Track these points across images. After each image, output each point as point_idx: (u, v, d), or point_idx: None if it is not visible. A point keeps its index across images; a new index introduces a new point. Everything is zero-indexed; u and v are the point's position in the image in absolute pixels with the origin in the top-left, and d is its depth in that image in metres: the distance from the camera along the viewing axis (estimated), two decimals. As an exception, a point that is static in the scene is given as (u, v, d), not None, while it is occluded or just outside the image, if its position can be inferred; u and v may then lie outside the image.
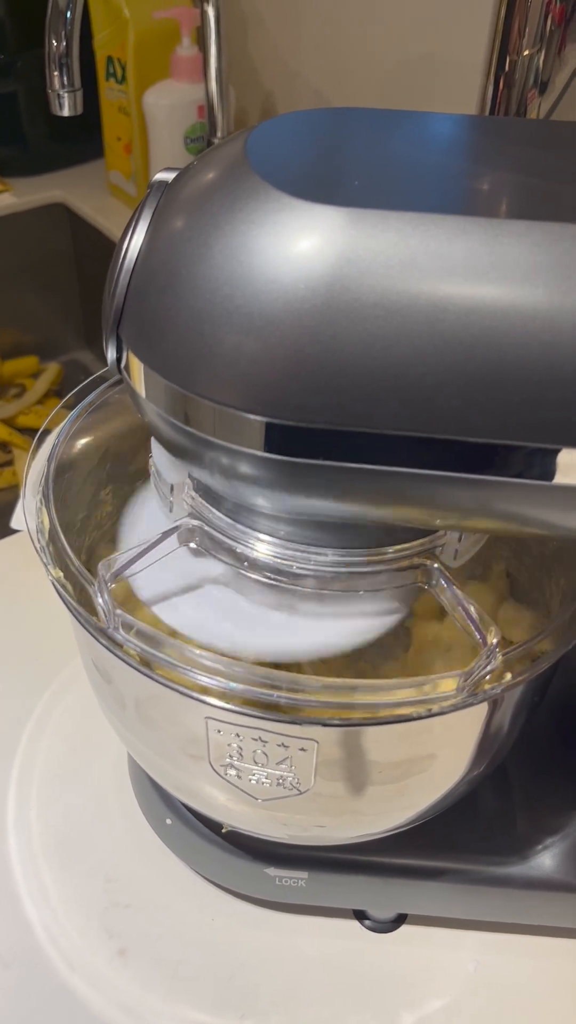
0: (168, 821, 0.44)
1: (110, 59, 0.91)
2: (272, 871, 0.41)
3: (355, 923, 0.44)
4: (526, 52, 0.51)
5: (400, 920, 0.44)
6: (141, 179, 0.96)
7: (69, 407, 0.43)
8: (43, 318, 1.13)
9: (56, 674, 0.54)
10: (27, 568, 0.58)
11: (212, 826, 0.42)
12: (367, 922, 0.44)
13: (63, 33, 0.63)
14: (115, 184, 1.01)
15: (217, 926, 0.44)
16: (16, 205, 1.03)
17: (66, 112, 0.66)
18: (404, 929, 0.44)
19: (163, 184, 0.30)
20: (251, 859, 0.41)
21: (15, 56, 0.98)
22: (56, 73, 0.64)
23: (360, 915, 0.44)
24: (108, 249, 1.05)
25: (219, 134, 0.85)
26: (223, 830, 0.41)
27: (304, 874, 0.41)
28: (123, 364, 0.30)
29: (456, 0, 0.72)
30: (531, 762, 0.44)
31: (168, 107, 0.87)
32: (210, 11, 0.76)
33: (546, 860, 0.42)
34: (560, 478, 0.27)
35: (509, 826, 0.43)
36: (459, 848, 0.42)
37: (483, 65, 0.53)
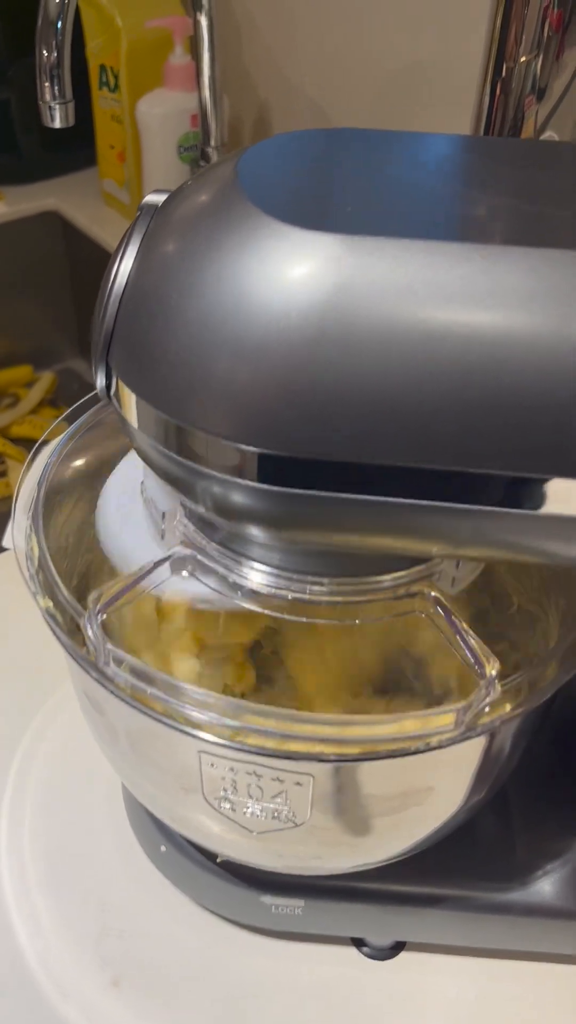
0: (163, 848, 0.43)
1: (103, 68, 0.90)
2: (268, 899, 0.41)
3: (353, 950, 0.43)
4: (523, 58, 0.50)
5: (399, 947, 0.43)
6: (135, 187, 0.95)
7: (68, 420, 0.42)
8: (37, 327, 1.13)
9: (49, 695, 0.53)
10: (20, 585, 0.57)
11: (207, 854, 0.41)
12: (365, 949, 0.43)
13: (54, 44, 0.62)
14: (109, 192, 1.00)
15: (212, 954, 0.43)
16: (9, 214, 1.02)
17: (57, 124, 0.65)
18: (403, 956, 0.43)
19: (153, 207, 0.29)
20: (247, 887, 0.41)
21: (7, 64, 0.98)
22: (47, 84, 0.63)
23: (358, 942, 0.43)
24: (102, 257, 1.05)
25: (213, 143, 0.85)
26: (218, 859, 0.41)
27: (300, 902, 0.41)
28: (112, 391, 0.29)
29: (451, 7, 0.71)
30: (530, 786, 0.43)
31: (161, 116, 0.86)
32: (203, 20, 0.76)
33: (546, 886, 0.41)
34: (558, 508, 0.26)
35: (509, 852, 0.42)
36: (458, 875, 0.41)
37: (480, 71, 0.52)
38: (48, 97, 0.64)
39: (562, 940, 0.42)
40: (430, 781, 0.33)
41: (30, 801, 0.48)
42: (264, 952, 0.43)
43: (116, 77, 0.89)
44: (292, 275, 0.24)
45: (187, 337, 0.25)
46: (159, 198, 0.30)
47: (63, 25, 0.62)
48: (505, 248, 0.24)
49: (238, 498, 0.27)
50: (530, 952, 0.43)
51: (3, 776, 0.49)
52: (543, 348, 0.24)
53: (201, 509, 0.30)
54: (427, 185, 0.28)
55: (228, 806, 0.33)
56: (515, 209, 0.26)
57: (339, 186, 0.27)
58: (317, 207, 0.26)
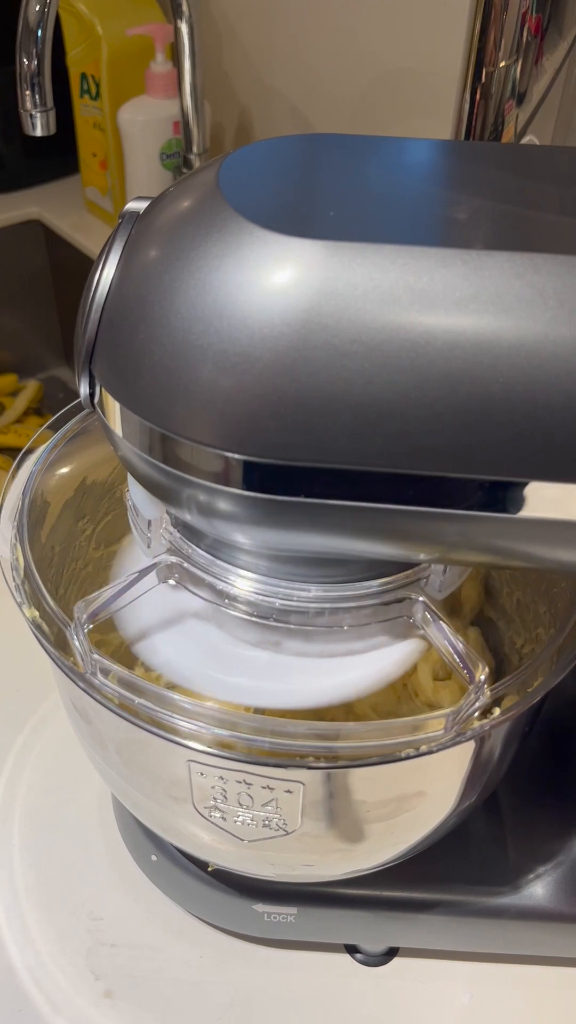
0: (153, 858, 0.43)
1: (84, 76, 0.90)
2: (260, 907, 0.41)
3: (346, 957, 0.43)
4: (502, 63, 0.51)
5: (392, 953, 0.43)
6: (118, 195, 0.95)
7: (53, 429, 0.42)
8: (21, 336, 1.12)
9: (38, 706, 0.53)
10: (5, 595, 0.57)
11: (198, 863, 0.41)
12: (358, 956, 0.43)
13: (34, 52, 0.62)
14: (91, 200, 1.00)
15: (205, 964, 0.43)
16: (-9, 223, 1.02)
17: (39, 132, 0.65)
18: (396, 962, 0.43)
19: (135, 214, 0.29)
20: (238, 895, 0.41)
21: (-13, 73, 0.97)
22: (28, 92, 0.63)
23: (351, 949, 0.43)
24: (85, 265, 1.05)
25: (195, 150, 0.85)
26: (209, 868, 0.40)
27: (293, 910, 0.41)
28: (96, 400, 0.29)
29: (431, 14, 0.72)
30: (521, 789, 0.43)
31: (143, 123, 0.86)
32: (184, 27, 0.76)
33: (538, 889, 0.41)
34: (543, 511, 0.26)
35: (501, 855, 0.42)
36: (450, 879, 0.41)
37: (459, 77, 0.52)
38: (29, 105, 0.63)
39: (555, 943, 0.42)
40: (421, 786, 0.33)
41: (19, 812, 0.48)
42: (257, 960, 0.43)
43: (97, 85, 0.89)
44: (275, 282, 0.24)
45: (170, 344, 0.25)
46: (141, 205, 0.30)
47: (43, 33, 0.62)
48: (488, 253, 0.24)
49: (223, 506, 0.27)
50: (523, 955, 0.43)
51: (-8, 788, 0.49)
52: (527, 353, 0.24)
53: (186, 517, 0.29)
54: (409, 190, 0.28)
55: (218, 815, 0.32)
56: (498, 213, 0.26)
57: (321, 192, 0.27)
58: (299, 213, 0.26)
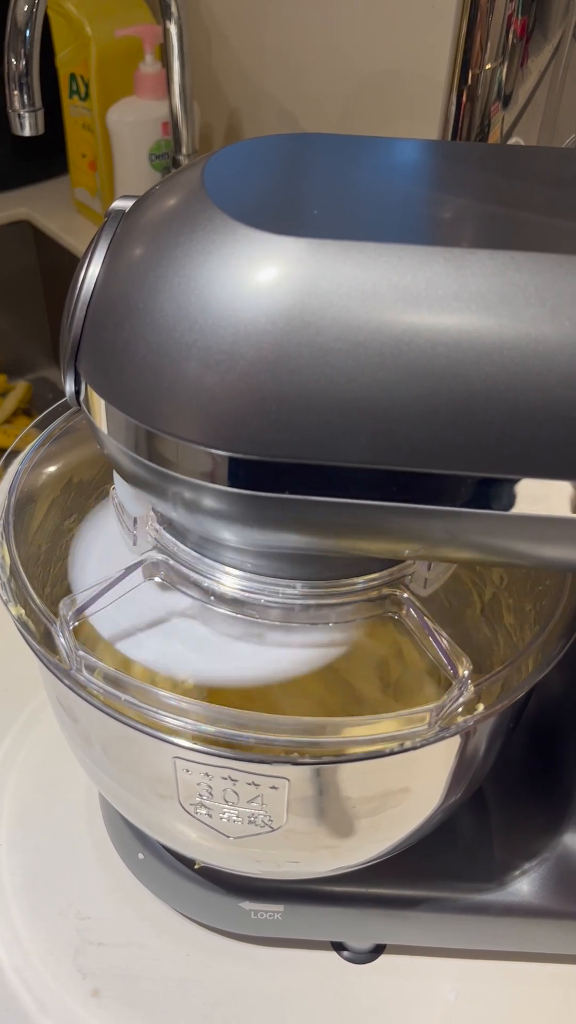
0: (140, 856, 0.43)
1: (73, 76, 0.90)
2: (247, 905, 0.41)
3: (333, 954, 0.43)
4: (488, 66, 0.51)
5: (378, 950, 0.43)
6: (107, 196, 0.95)
7: (39, 427, 0.42)
8: (10, 336, 1.12)
9: (24, 705, 0.53)
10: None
11: (185, 861, 0.41)
12: (345, 953, 0.43)
13: (22, 52, 0.62)
14: (81, 201, 1.00)
15: (193, 962, 0.43)
16: (-20, 223, 1.02)
17: (27, 132, 0.65)
18: (383, 959, 0.43)
19: (120, 212, 0.29)
20: (225, 893, 0.41)
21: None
22: (16, 92, 0.63)
23: (338, 946, 0.43)
24: (74, 266, 1.04)
25: (184, 151, 0.85)
26: (196, 865, 0.41)
27: (280, 907, 0.41)
28: (82, 397, 0.29)
29: (418, 17, 0.72)
30: (507, 786, 0.43)
31: (132, 124, 0.86)
32: (172, 28, 0.76)
33: (524, 886, 0.41)
34: (528, 508, 0.26)
35: (486, 852, 0.42)
36: (437, 876, 0.41)
37: (446, 79, 0.52)
38: (17, 105, 0.63)
39: (541, 939, 0.42)
40: (406, 782, 0.33)
41: (6, 811, 0.48)
42: (244, 958, 0.43)
43: (86, 85, 0.89)
44: (259, 279, 0.24)
45: (155, 342, 0.25)
46: (126, 203, 0.30)
47: (31, 33, 0.62)
48: (470, 251, 0.24)
49: (209, 502, 0.27)
50: (509, 952, 0.43)
51: (-21, 787, 0.49)
52: (509, 350, 0.24)
53: (172, 515, 0.30)
54: (394, 189, 0.28)
55: (204, 812, 0.32)
56: (481, 213, 0.27)
57: (306, 190, 0.28)
58: (283, 211, 0.26)
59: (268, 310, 0.24)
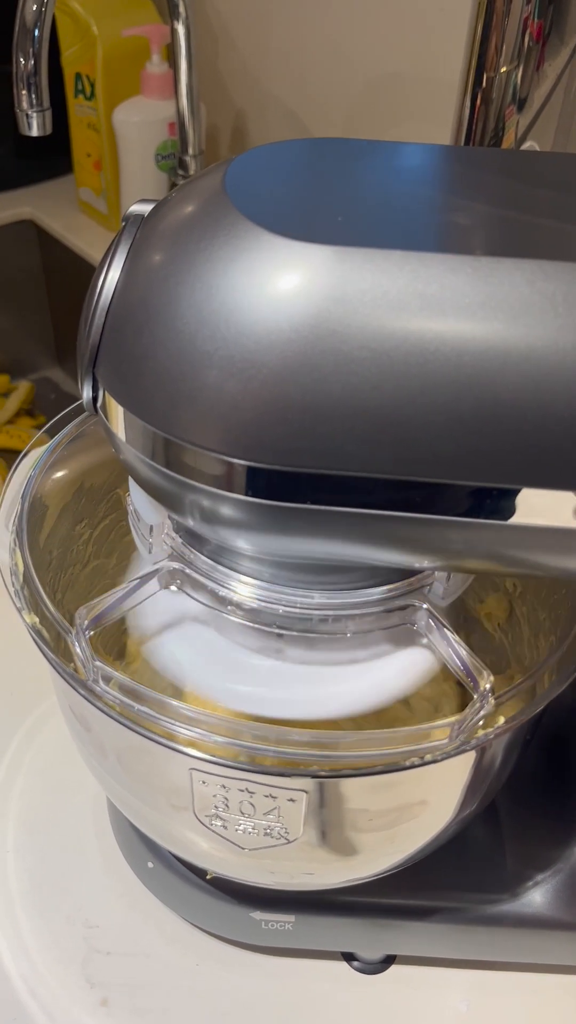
0: (150, 865, 0.42)
1: (78, 75, 0.90)
2: (258, 915, 0.40)
3: (343, 964, 0.43)
4: (504, 68, 0.51)
5: (389, 961, 0.43)
6: (112, 196, 0.95)
7: (50, 433, 0.42)
8: (13, 336, 1.12)
9: (32, 709, 0.53)
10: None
11: (196, 870, 0.41)
12: (355, 963, 0.43)
13: (31, 52, 0.62)
14: (85, 201, 1.00)
15: (202, 972, 0.43)
16: (-16, 222, 1.01)
17: (35, 132, 0.64)
18: (393, 970, 0.43)
19: (139, 217, 0.29)
20: (236, 903, 0.40)
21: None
22: (24, 92, 0.63)
23: (348, 957, 0.43)
24: (78, 266, 1.04)
25: (190, 151, 0.85)
26: (208, 876, 0.40)
27: (291, 917, 0.40)
28: (99, 404, 0.29)
29: (425, 19, 0.72)
30: (519, 797, 0.43)
31: (138, 124, 0.86)
32: (180, 29, 0.76)
33: (536, 897, 0.41)
34: (551, 520, 0.26)
35: (499, 863, 0.42)
36: (448, 886, 0.41)
37: (459, 82, 0.52)
38: (25, 105, 0.63)
39: (553, 950, 0.42)
40: (424, 795, 0.32)
41: (13, 817, 0.48)
42: (254, 969, 0.43)
43: (92, 85, 0.89)
44: (283, 287, 0.24)
45: (176, 349, 0.25)
46: (145, 208, 0.29)
47: (40, 33, 0.61)
48: (497, 259, 0.24)
49: (227, 511, 0.27)
50: (521, 963, 0.43)
51: (-15, 793, 0.49)
52: (536, 359, 0.24)
53: (189, 523, 0.29)
54: (417, 195, 0.27)
55: (220, 823, 0.32)
56: (506, 220, 0.26)
57: (328, 196, 0.27)
58: (306, 218, 0.26)
59: (293, 318, 0.24)
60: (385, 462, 0.25)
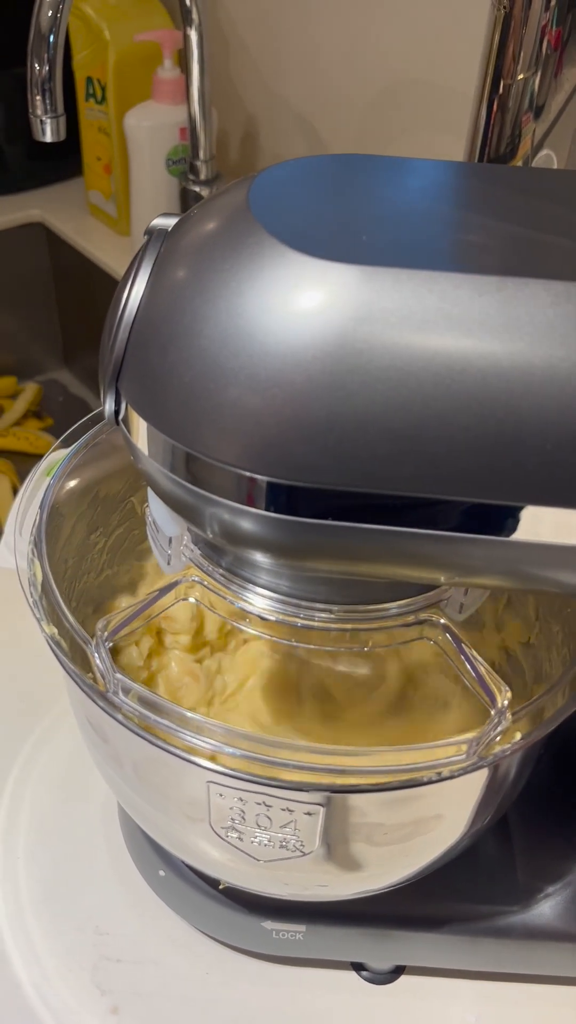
0: (161, 873, 0.42)
1: (89, 79, 0.90)
2: (269, 924, 0.40)
3: (353, 974, 0.43)
4: (521, 76, 0.51)
5: (398, 971, 0.43)
6: (121, 200, 0.95)
7: (66, 443, 0.42)
8: (21, 338, 1.12)
9: (42, 716, 0.53)
10: (9, 604, 0.56)
11: (208, 879, 0.41)
12: (365, 973, 0.43)
13: (46, 57, 0.62)
14: (94, 204, 1.00)
15: (212, 980, 0.43)
16: (-7, 225, 1.01)
17: (48, 138, 0.64)
18: (403, 980, 0.43)
19: (163, 232, 0.29)
20: (247, 912, 0.40)
21: (-8, 74, 0.97)
22: (39, 98, 0.63)
23: (358, 967, 0.43)
24: (87, 269, 1.04)
25: (202, 156, 0.85)
26: (220, 886, 0.40)
27: (302, 927, 0.40)
28: (121, 417, 0.29)
29: (439, 25, 0.72)
30: (530, 809, 0.43)
31: (150, 129, 0.86)
32: (193, 35, 0.76)
33: (546, 909, 0.41)
34: (572, 538, 0.26)
35: (509, 874, 0.42)
36: (459, 898, 0.41)
37: (475, 88, 0.52)
38: (40, 111, 0.63)
39: (563, 962, 0.42)
40: (439, 810, 0.32)
41: (24, 824, 0.48)
42: (264, 978, 0.43)
43: (103, 89, 0.89)
44: (309, 306, 0.24)
45: (201, 367, 0.25)
46: (168, 221, 0.29)
47: (55, 39, 0.61)
48: (523, 281, 0.24)
49: (248, 526, 0.27)
50: (530, 975, 0.43)
51: (-4, 799, 0.49)
52: (561, 380, 0.24)
53: (208, 536, 0.29)
54: (441, 214, 0.28)
55: (235, 835, 0.32)
56: (531, 240, 0.26)
57: (353, 214, 0.27)
58: (331, 236, 0.26)
59: (318, 337, 0.24)
60: (407, 480, 0.25)
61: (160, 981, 0.43)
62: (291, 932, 0.40)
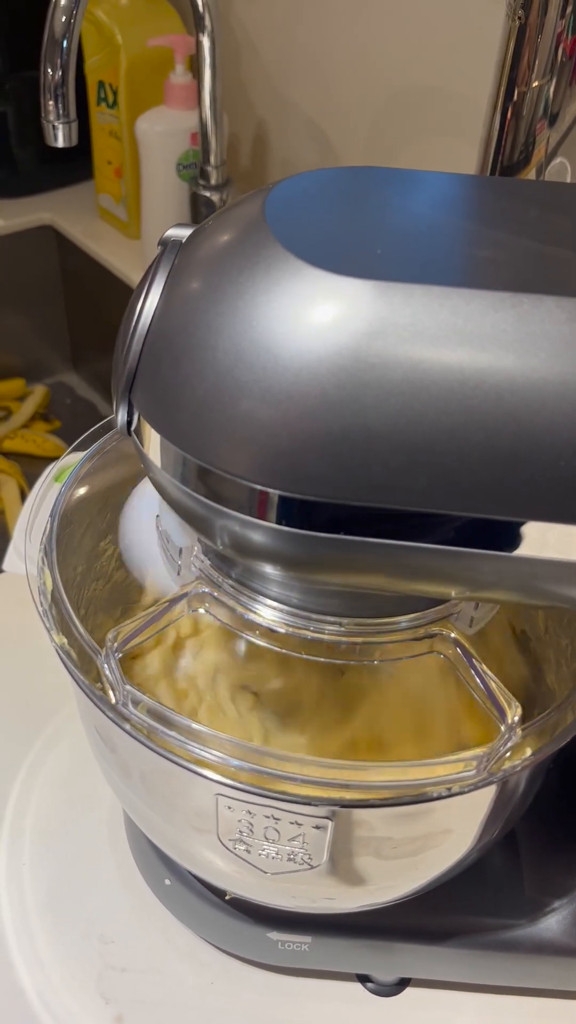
0: (167, 882, 0.42)
1: (101, 84, 0.90)
2: (275, 935, 0.40)
3: (358, 986, 0.43)
4: (536, 83, 0.50)
5: (404, 983, 0.43)
6: (132, 204, 0.95)
7: (79, 450, 0.42)
8: (29, 340, 1.12)
9: (48, 720, 0.53)
10: (16, 608, 0.56)
11: (214, 888, 0.41)
12: (370, 985, 0.43)
13: (59, 63, 0.62)
14: (104, 207, 1.00)
15: (217, 990, 0.43)
16: (3, 227, 1.02)
17: (60, 143, 0.65)
18: (408, 992, 0.43)
19: (177, 243, 0.29)
20: (253, 923, 0.40)
21: (4, 78, 0.97)
22: (51, 103, 0.63)
23: (363, 978, 0.43)
24: (96, 272, 1.04)
25: (212, 161, 0.85)
26: (227, 896, 0.40)
27: (308, 938, 0.40)
28: (133, 427, 0.29)
29: (451, 33, 0.72)
30: (538, 823, 0.43)
31: (161, 134, 0.86)
32: (205, 41, 0.76)
33: (553, 923, 0.41)
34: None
35: (516, 888, 0.42)
36: (465, 911, 0.41)
37: (489, 95, 0.52)
38: (52, 116, 0.63)
39: (569, 977, 0.42)
40: (449, 824, 0.32)
41: (29, 831, 0.48)
42: (269, 989, 0.43)
43: (115, 93, 0.89)
44: (323, 321, 0.24)
45: (214, 380, 0.25)
46: (182, 232, 0.29)
47: (68, 44, 0.62)
48: (538, 297, 0.24)
49: (260, 539, 0.27)
50: (537, 988, 0.43)
51: (1, 805, 0.49)
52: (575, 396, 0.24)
53: (219, 547, 0.29)
54: (456, 229, 0.28)
55: (243, 847, 0.32)
56: (546, 256, 0.26)
57: (368, 228, 0.27)
58: (346, 250, 0.26)
59: (332, 351, 0.24)
60: (420, 495, 0.25)
61: (165, 990, 0.42)
62: (297, 943, 0.40)
